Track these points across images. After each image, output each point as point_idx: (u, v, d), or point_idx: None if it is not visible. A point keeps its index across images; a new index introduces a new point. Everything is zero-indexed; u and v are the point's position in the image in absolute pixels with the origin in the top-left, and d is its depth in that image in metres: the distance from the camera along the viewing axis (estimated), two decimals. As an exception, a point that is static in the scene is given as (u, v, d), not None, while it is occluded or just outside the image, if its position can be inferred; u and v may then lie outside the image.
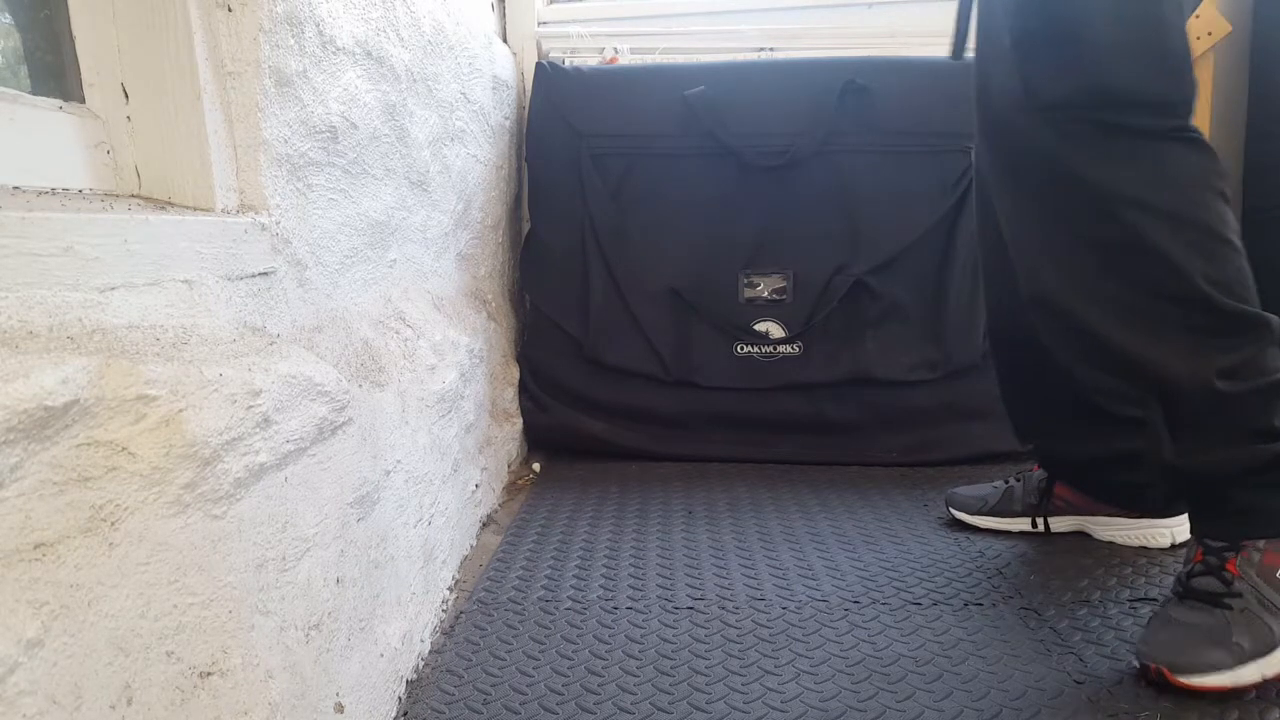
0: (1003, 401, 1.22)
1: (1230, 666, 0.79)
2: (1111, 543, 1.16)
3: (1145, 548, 1.14)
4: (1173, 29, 0.84)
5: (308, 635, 0.65)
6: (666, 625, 0.98)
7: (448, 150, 1.27)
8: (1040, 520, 1.21)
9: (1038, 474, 1.22)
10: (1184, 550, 0.94)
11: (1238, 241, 0.85)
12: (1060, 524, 1.21)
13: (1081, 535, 1.20)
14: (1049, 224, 0.91)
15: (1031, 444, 1.24)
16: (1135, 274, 0.86)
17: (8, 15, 0.70)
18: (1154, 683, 0.82)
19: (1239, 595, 0.82)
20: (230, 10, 0.70)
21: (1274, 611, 0.81)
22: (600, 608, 1.03)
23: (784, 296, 1.62)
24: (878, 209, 1.59)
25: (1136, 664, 0.85)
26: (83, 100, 0.69)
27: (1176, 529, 1.13)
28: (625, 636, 0.96)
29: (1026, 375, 1.16)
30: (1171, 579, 1.05)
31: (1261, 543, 0.84)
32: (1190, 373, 0.84)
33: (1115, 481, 1.14)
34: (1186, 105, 0.85)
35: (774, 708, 0.82)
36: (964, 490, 1.29)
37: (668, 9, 1.90)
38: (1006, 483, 1.25)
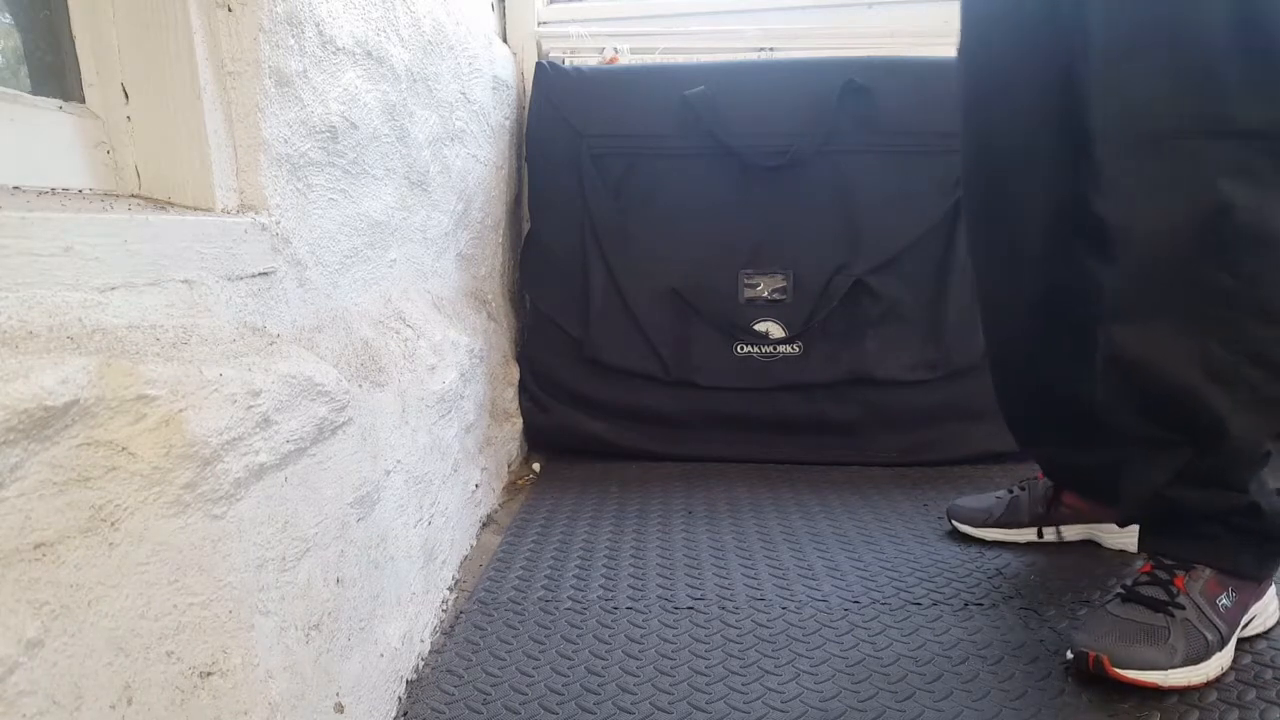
0: (1001, 411, 1.19)
1: (1164, 667, 0.82)
2: (1123, 551, 1.15)
3: None
4: None
5: (308, 635, 0.65)
6: (666, 625, 0.98)
7: (448, 150, 1.27)
8: (1050, 530, 1.19)
9: (1043, 482, 1.20)
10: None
11: None
12: (1069, 532, 1.19)
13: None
14: (1164, 264, 0.85)
15: (1035, 452, 1.22)
16: (1251, 334, 0.83)
17: (8, 15, 0.70)
18: (1087, 672, 0.83)
19: (1182, 607, 0.86)
20: (230, 10, 0.70)
21: (1211, 629, 0.85)
22: (600, 608, 1.03)
23: (784, 296, 1.62)
24: (878, 209, 1.59)
25: (1070, 654, 0.86)
26: (83, 100, 0.69)
27: None
28: (625, 636, 0.96)
29: (1025, 384, 1.14)
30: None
31: (1208, 571, 0.88)
32: (1252, 429, 0.85)
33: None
34: None
35: (774, 708, 0.82)
36: (966, 503, 1.26)
37: (668, 9, 1.90)
38: (1011, 492, 1.23)
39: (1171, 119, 0.81)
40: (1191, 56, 0.80)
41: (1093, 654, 0.83)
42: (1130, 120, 0.84)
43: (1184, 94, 0.81)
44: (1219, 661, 0.85)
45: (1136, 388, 0.90)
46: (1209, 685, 0.83)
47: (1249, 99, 0.79)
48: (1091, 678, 0.84)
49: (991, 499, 1.24)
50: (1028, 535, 1.20)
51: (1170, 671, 0.82)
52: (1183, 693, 0.82)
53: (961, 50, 1.04)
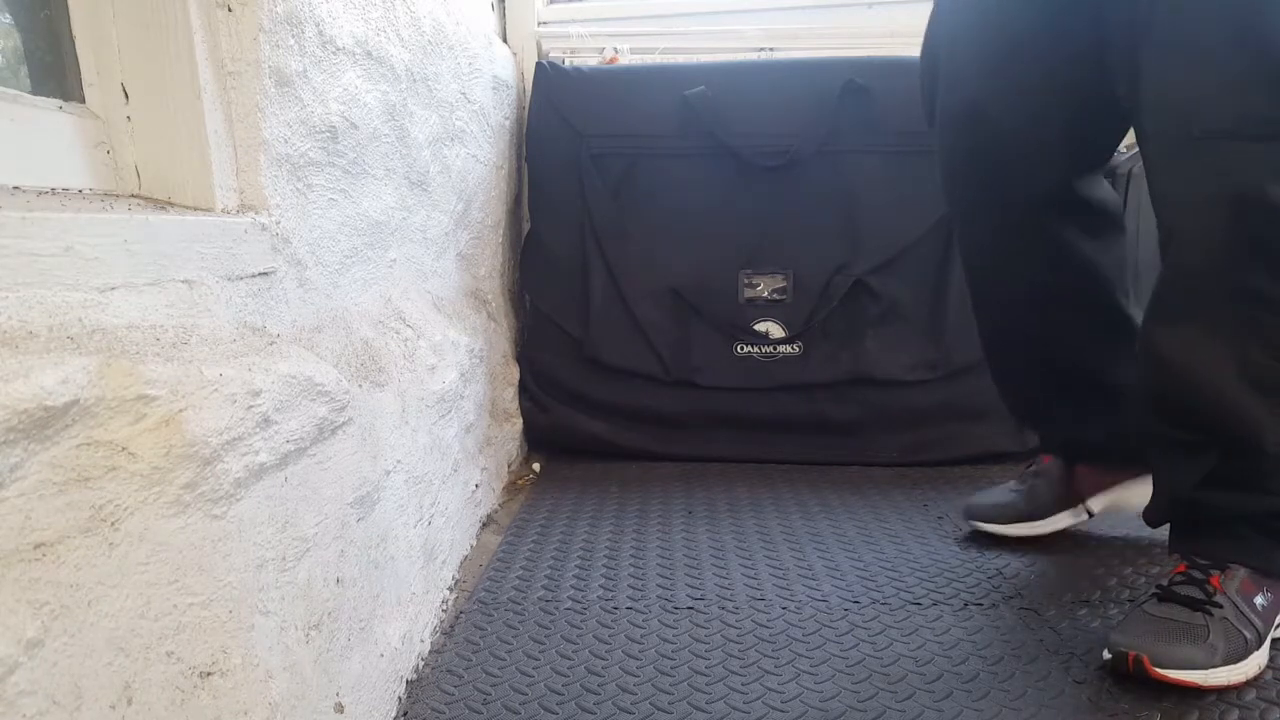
0: (1000, 394, 1.19)
1: (1204, 666, 0.81)
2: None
3: None
4: None
5: (308, 635, 0.65)
6: (666, 625, 0.98)
7: (448, 150, 1.27)
8: (1081, 507, 1.17)
9: (1052, 464, 1.18)
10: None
11: None
12: (1097, 503, 1.17)
13: (1080, 536, 1.19)
14: (1208, 267, 0.84)
15: (1040, 431, 1.21)
16: None
17: (8, 15, 0.70)
18: (1127, 672, 0.83)
19: (1220, 606, 0.85)
20: (230, 10, 0.70)
21: (1250, 627, 0.84)
22: (600, 608, 1.03)
23: (784, 296, 1.62)
24: (878, 209, 1.59)
25: (1107, 655, 0.85)
26: (83, 100, 0.69)
27: None
28: (625, 636, 0.96)
29: (1029, 366, 1.13)
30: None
31: (1243, 571, 0.87)
32: None
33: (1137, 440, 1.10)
34: None
35: (774, 708, 0.82)
36: (982, 500, 1.23)
37: (668, 9, 1.90)
38: (1023, 483, 1.21)
39: (1219, 120, 0.79)
40: (1245, 56, 0.77)
41: (1132, 654, 0.82)
42: (1178, 119, 0.82)
43: (1232, 94, 0.78)
44: (1257, 660, 0.84)
45: (1172, 389, 0.89)
46: (1248, 684, 0.83)
47: None
48: (1131, 678, 0.83)
49: (1006, 493, 1.21)
50: (1058, 523, 1.18)
51: (1211, 671, 0.81)
52: (1221, 692, 0.81)
53: (944, 19, 1.03)
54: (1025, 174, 1.00)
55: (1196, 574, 0.88)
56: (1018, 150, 0.99)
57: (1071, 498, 1.18)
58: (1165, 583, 0.89)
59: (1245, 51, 0.77)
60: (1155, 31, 0.82)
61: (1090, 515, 1.18)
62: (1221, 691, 0.82)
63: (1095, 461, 1.16)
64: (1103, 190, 1.06)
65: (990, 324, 1.16)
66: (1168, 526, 0.96)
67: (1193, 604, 0.85)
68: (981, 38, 0.99)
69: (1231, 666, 0.82)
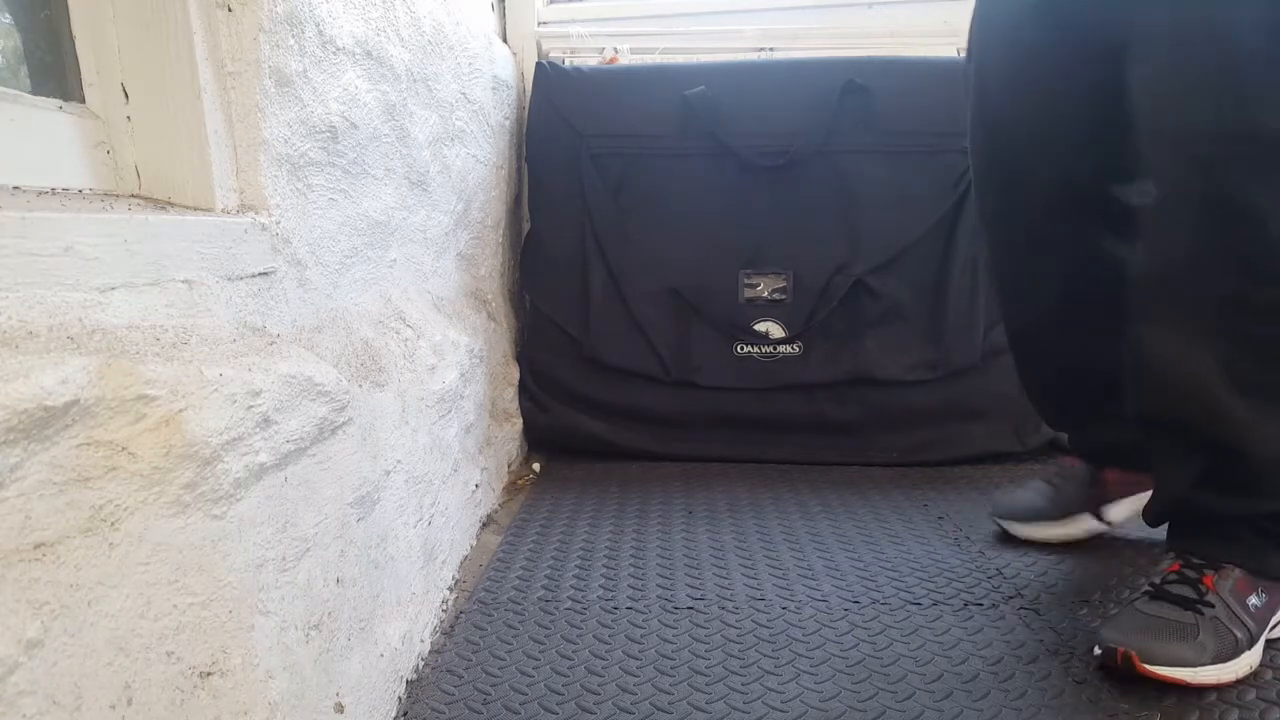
0: (1028, 396, 1.18)
1: (1193, 663, 0.82)
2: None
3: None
4: None
5: (308, 635, 0.65)
6: (666, 625, 0.98)
7: (448, 150, 1.27)
8: (1106, 510, 1.16)
9: (1079, 467, 1.17)
10: None
11: None
12: (1120, 510, 1.16)
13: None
14: (1193, 270, 0.84)
15: (1070, 434, 1.20)
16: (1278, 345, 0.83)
17: (8, 15, 0.70)
18: (1115, 667, 0.83)
19: (1211, 605, 0.85)
20: (230, 10, 0.70)
21: (1241, 627, 0.85)
22: (600, 608, 1.03)
23: (784, 296, 1.62)
24: (878, 209, 1.59)
25: (1097, 650, 0.85)
26: (83, 100, 0.69)
27: None
28: (625, 636, 0.96)
29: (1055, 368, 1.13)
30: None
31: (1237, 570, 0.88)
32: (1275, 439, 0.85)
33: None
34: None
35: (774, 708, 0.82)
36: (1009, 500, 1.21)
37: (668, 9, 1.90)
38: (1051, 484, 1.19)
39: (1203, 124, 0.79)
40: (1225, 61, 0.78)
41: (1121, 650, 0.82)
42: (1162, 120, 0.83)
43: (1215, 98, 0.79)
44: (1248, 660, 0.84)
45: (1156, 389, 0.90)
46: (1241, 683, 0.83)
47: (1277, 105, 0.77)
48: (1118, 674, 0.84)
49: (1033, 495, 1.20)
50: (1084, 527, 1.16)
51: (1199, 669, 0.82)
52: (1212, 690, 0.82)
53: (978, 28, 1.03)
54: (1048, 178, 1.00)
55: (1190, 573, 0.88)
56: (1040, 155, 0.99)
57: (1098, 501, 1.17)
58: (1158, 580, 0.90)
59: (1215, 54, 0.78)
60: (1138, 29, 0.84)
61: (1110, 525, 1.17)
62: (1212, 689, 0.82)
63: (1125, 465, 1.15)
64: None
65: (1018, 325, 1.15)
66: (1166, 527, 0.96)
67: (1184, 603, 0.86)
68: (1006, 41, 1.00)
69: (1221, 665, 0.82)
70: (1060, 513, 1.18)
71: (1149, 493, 1.13)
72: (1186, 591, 0.87)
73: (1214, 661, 0.82)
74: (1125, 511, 1.17)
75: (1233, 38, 0.77)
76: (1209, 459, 0.88)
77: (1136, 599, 0.90)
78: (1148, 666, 0.81)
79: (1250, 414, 0.84)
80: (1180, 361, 0.86)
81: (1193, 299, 0.85)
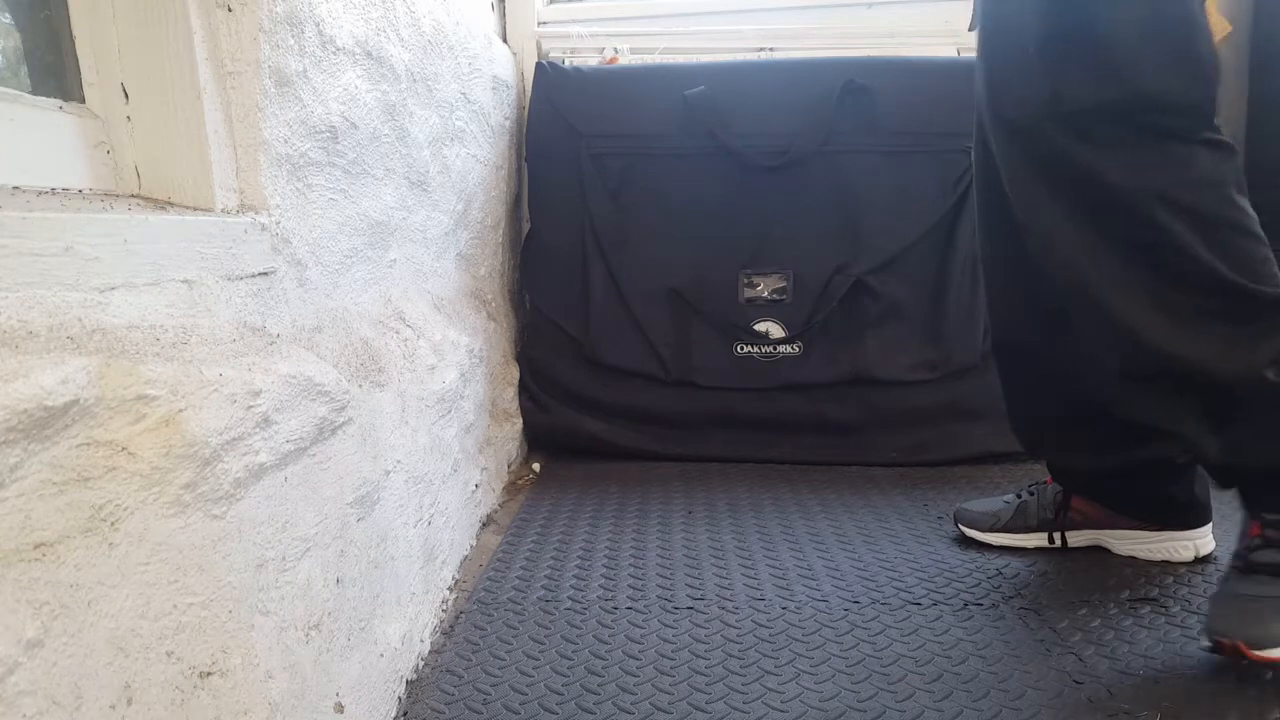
0: (1009, 415, 1.18)
1: None
2: (1132, 557, 1.12)
3: (1168, 561, 1.10)
4: (1200, 31, 0.84)
5: (308, 635, 0.65)
6: (666, 625, 0.98)
7: (448, 150, 1.27)
8: (1057, 536, 1.16)
9: (1052, 487, 1.18)
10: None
11: (1263, 235, 0.86)
12: (1077, 539, 1.16)
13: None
14: (1081, 224, 0.91)
15: (1043, 458, 1.20)
16: (1169, 271, 0.87)
17: (8, 15, 0.70)
18: (1229, 659, 0.82)
19: None
20: (230, 10, 0.70)
21: None
22: (600, 608, 1.03)
23: (784, 296, 1.62)
24: (878, 209, 1.59)
25: (1206, 643, 0.84)
26: (83, 100, 0.69)
27: (1200, 541, 1.10)
28: (625, 636, 0.96)
29: (1037, 387, 1.13)
30: (1172, 578, 1.05)
31: None
32: (1240, 369, 0.85)
33: (1138, 492, 1.11)
34: (1213, 106, 0.86)
35: (774, 708, 0.82)
36: (973, 506, 1.23)
37: (668, 9, 1.90)
38: (1019, 497, 1.20)
39: (1015, 102, 0.92)
40: (1020, 44, 0.90)
41: (1227, 642, 0.81)
42: (995, 105, 0.95)
43: (1018, 77, 0.91)
44: None
45: (1111, 341, 0.93)
46: (1247, 685, 0.82)
47: (1069, 81, 0.87)
48: (1236, 664, 0.82)
49: (999, 503, 1.22)
50: (1035, 540, 1.17)
51: None
52: None
53: (987, 26, 1.04)
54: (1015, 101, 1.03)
55: (1272, 533, 0.86)
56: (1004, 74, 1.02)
57: (1058, 524, 1.16)
58: (1242, 549, 0.88)
59: (1010, 38, 0.92)
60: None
61: (1065, 547, 1.16)
62: None
63: (1093, 498, 1.14)
64: None
65: (1003, 344, 1.15)
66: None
67: (1278, 571, 0.84)
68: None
69: None
70: (1013, 524, 1.18)
71: (1109, 531, 1.14)
72: (1276, 557, 0.84)
73: None
74: (1083, 542, 1.17)
75: (1022, 24, 0.89)
76: (1200, 401, 0.88)
77: (1228, 578, 0.88)
78: (1259, 653, 0.80)
79: (1202, 349, 0.86)
80: (1121, 301, 0.90)
81: (1085, 249, 0.91)
